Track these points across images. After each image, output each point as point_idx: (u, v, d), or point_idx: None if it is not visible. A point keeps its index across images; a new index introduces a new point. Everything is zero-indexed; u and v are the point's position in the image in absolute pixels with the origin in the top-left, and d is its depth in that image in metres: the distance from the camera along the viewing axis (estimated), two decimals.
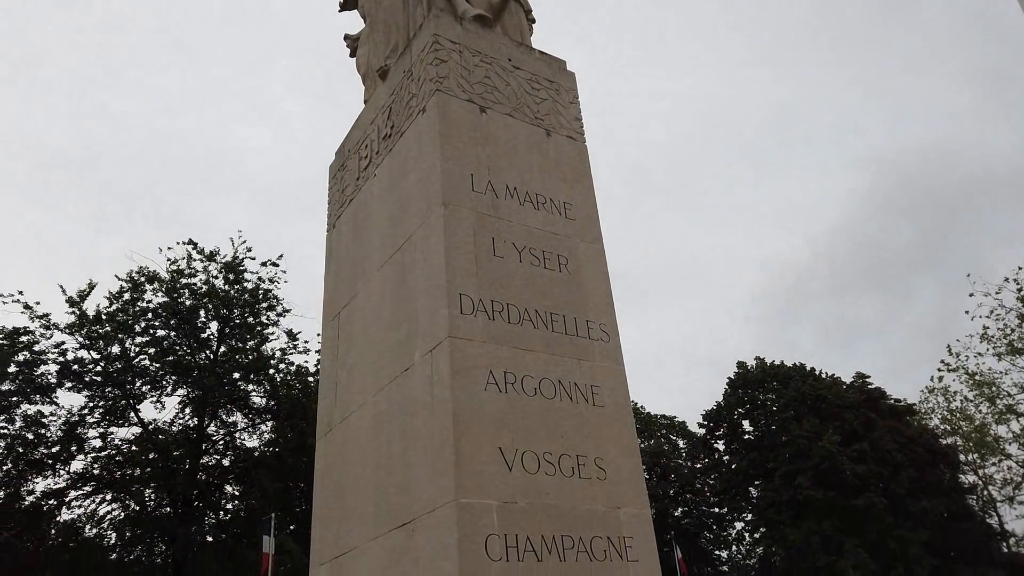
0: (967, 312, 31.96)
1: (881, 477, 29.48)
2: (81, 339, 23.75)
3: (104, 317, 23.98)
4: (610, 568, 4.59)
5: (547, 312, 5.35)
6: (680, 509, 37.36)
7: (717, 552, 37.80)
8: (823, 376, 33.86)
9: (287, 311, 26.50)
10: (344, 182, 7.33)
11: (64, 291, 23.82)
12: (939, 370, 35.40)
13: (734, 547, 37.96)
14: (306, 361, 28.14)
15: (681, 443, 40.87)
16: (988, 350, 32.32)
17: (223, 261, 25.96)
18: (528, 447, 4.71)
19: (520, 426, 4.75)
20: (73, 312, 23.72)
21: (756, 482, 33.31)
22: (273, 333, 26.61)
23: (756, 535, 34.66)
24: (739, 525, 36.90)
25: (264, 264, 26.38)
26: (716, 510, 37.11)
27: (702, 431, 37.01)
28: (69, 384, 23.50)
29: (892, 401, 34.19)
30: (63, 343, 23.60)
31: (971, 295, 31.87)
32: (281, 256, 26.65)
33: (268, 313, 26.19)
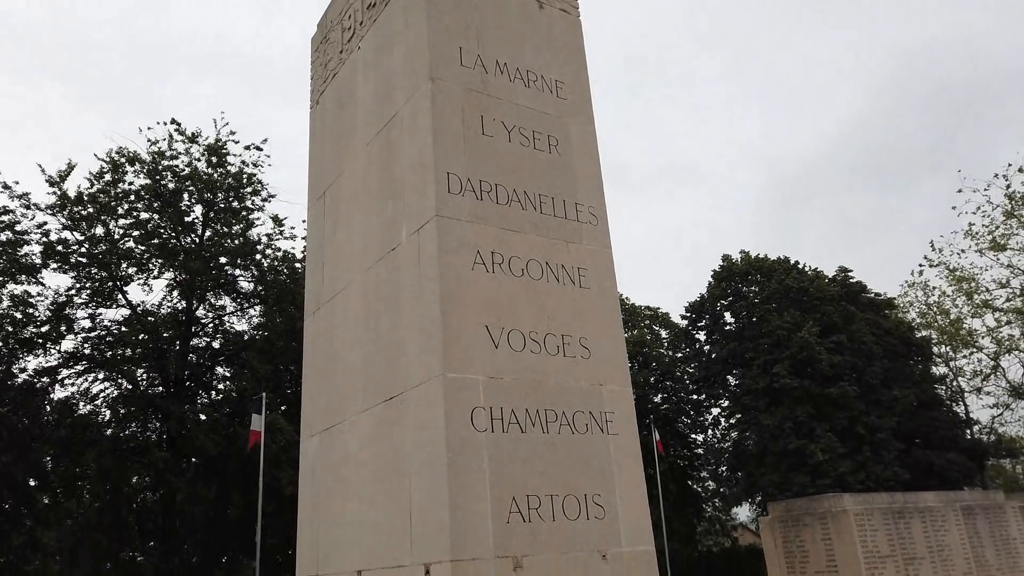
0: (953, 208, 32.17)
1: (855, 367, 30.39)
2: (64, 220, 23.51)
3: (86, 198, 23.64)
4: (591, 440, 4.75)
5: (536, 193, 5.29)
6: (660, 396, 38.57)
7: (693, 436, 39.32)
8: (806, 270, 34.24)
9: (272, 196, 26.23)
10: (327, 55, 7.04)
11: (43, 171, 23.35)
12: (920, 265, 35.99)
13: (710, 431, 39.44)
14: (293, 247, 28.11)
15: (664, 333, 41.71)
16: (971, 246, 32.75)
17: (205, 143, 25.39)
18: (514, 326, 4.76)
19: (507, 305, 4.79)
20: (54, 192, 23.35)
21: (734, 371, 34.27)
22: (259, 218, 26.49)
23: (731, 420, 35.98)
24: (716, 411, 38.24)
25: (248, 148, 25.85)
26: (694, 397, 38.33)
27: (684, 322, 37.71)
28: (54, 265, 23.44)
29: (872, 295, 34.81)
30: (45, 223, 23.37)
31: (959, 191, 31.96)
32: (265, 140, 26.14)
33: (253, 198, 25.91)
